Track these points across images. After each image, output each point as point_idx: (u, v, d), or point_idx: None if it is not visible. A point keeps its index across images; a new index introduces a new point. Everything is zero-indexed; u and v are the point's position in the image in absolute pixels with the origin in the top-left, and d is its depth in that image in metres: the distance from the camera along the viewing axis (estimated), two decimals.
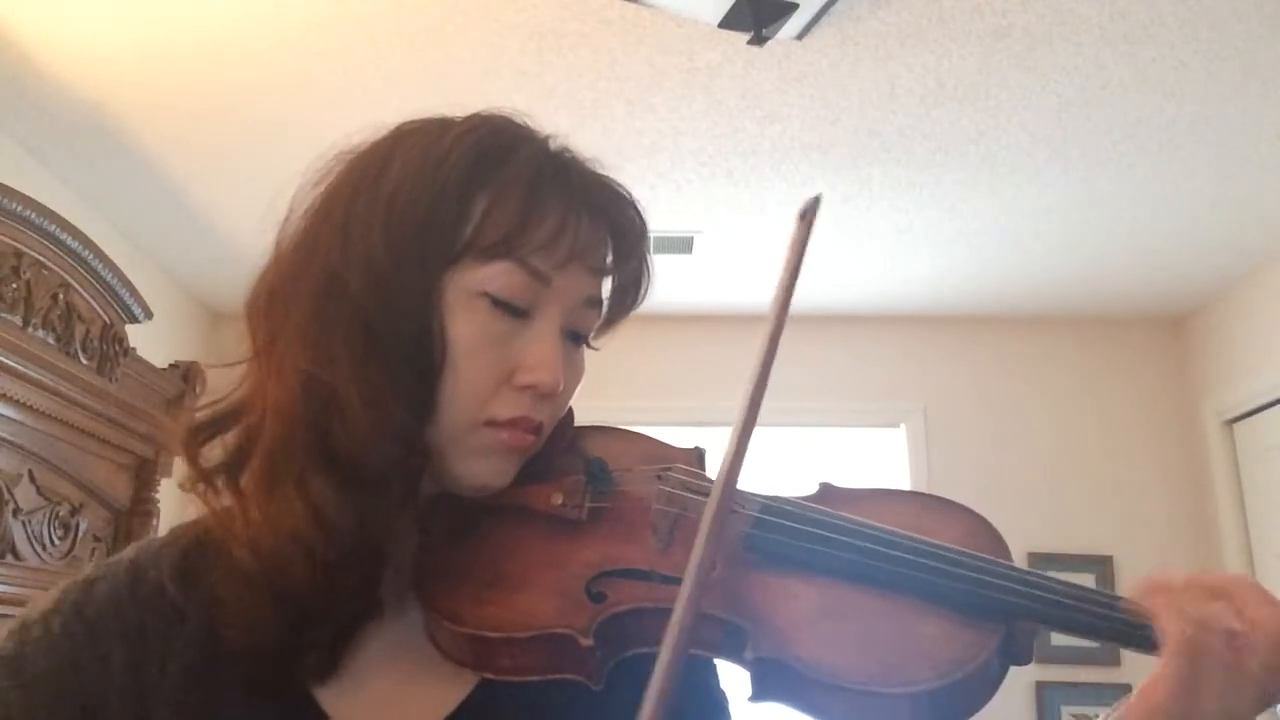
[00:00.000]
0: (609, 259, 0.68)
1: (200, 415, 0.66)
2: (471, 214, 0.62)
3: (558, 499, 0.65)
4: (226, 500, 0.63)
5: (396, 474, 0.60)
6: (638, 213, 0.69)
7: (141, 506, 2.20)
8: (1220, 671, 0.52)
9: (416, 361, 0.61)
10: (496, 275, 0.62)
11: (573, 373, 0.67)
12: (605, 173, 0.69)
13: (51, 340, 1.89)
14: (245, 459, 0.63)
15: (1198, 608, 0.53)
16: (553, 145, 0.67)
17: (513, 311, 0.63)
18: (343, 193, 0.65)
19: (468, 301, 0.62)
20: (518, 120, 0.68)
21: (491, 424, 0.63)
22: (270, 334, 0.63)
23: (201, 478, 0.64)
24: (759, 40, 2.25)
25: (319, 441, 0.59)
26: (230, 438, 0.65)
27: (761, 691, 0.57)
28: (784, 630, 0.58)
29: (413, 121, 0.68)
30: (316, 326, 0.61)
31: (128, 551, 0.67)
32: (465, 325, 0.62)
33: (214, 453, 0.65)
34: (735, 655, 0.58)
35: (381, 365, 0.60)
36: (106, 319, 2.07)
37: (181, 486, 0.65)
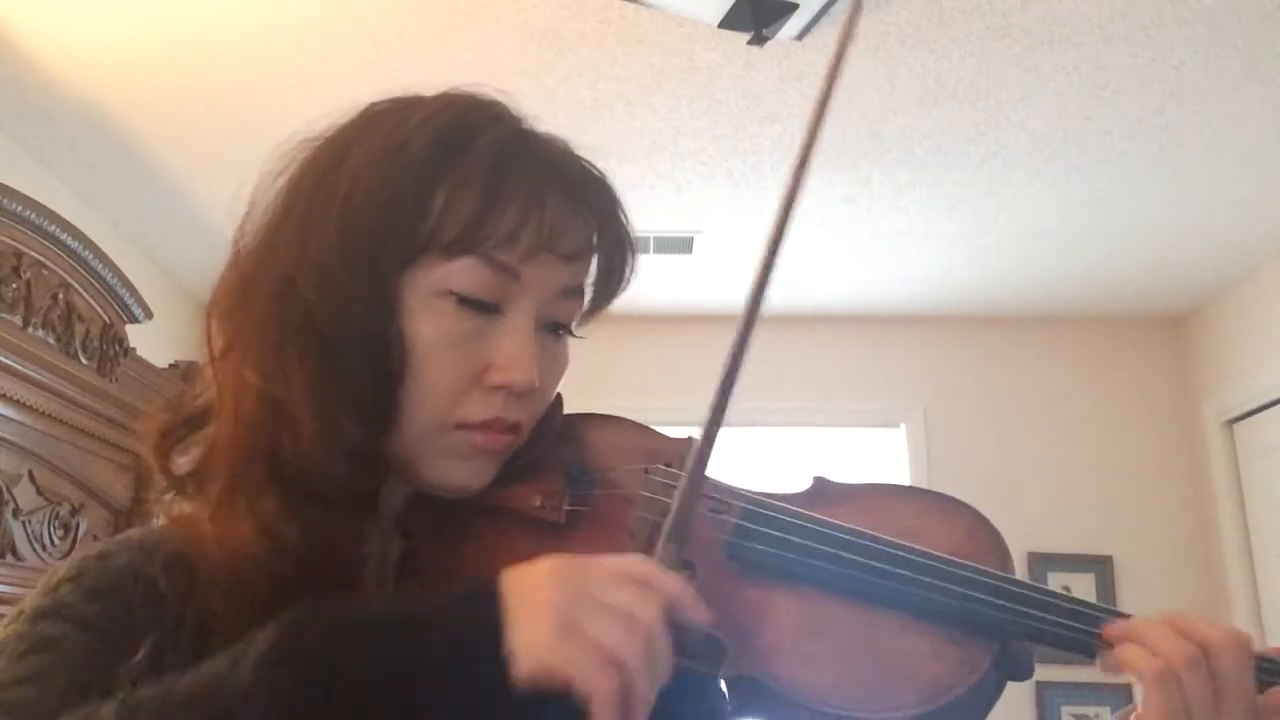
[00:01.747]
0: (586, 244, 0.64)
1: (167, 418, 0.63)
2: (431, 208, 0.59)
3: (536, 501, 0.63)
4: (197, 507, 0.61)
5: (349, 489, 0.58)
6: (609, 189, 0.65)
7: (141, 506, 2.19)
8: (1201, 701, 0.52)
9: (373, 369, 0.58)
10: (461, 272, 0.59)
11: (553, 366, 0.65)
12: (578, 151, 0.65)
13: (51, 340, 1.89)
14: (209, 470, 0.61)
15: (1161, 642, 0.53)
16: (517, 127, 0.64)
17: (481, 308, 0.60)
18: (303, 186, 0.62)
19: (431, 301, 0.59)
20: (484, 99, 0.64)
21: (463, 426, 0.60)
22: (227, 340, 0.61)
23: (171, 484, 0.62)
24: (759, 40, 2.25)
25: (270, 457, 0.57)
26: (199, 446, 0.62)
27: (739, 707, 0.56)
28: (763, 647, 0.56)
29: (380, 102, 0.65)
30: (269, 333, 0.59)
31: (135, 532, 0.65)
32: (429, 326, 0.59)
33: (185, 458, 0.63)
34: (712, 669, 0.56)
35: (335, 376, 0.58)
36: (106, 319, 2.06)
37: (151, 497, 0.64)
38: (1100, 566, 3.67)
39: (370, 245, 0.58)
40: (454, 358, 0.59)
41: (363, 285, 0.58)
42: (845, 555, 0.58)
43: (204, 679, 0.48)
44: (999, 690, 0.56)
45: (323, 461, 0.57)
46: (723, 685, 0.71)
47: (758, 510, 0.61)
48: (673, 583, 0.49)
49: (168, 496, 0.63)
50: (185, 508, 0.63)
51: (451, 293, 0.59)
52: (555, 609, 0.47)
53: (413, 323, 0.59)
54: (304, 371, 0.58)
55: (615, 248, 0.66)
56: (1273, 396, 3.39)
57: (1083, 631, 0.56)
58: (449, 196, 0.59)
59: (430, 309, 0.59)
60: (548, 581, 0.49)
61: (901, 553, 0.58)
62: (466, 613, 0.49)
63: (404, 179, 0.59)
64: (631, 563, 0.49)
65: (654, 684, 0.47)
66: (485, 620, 0.48)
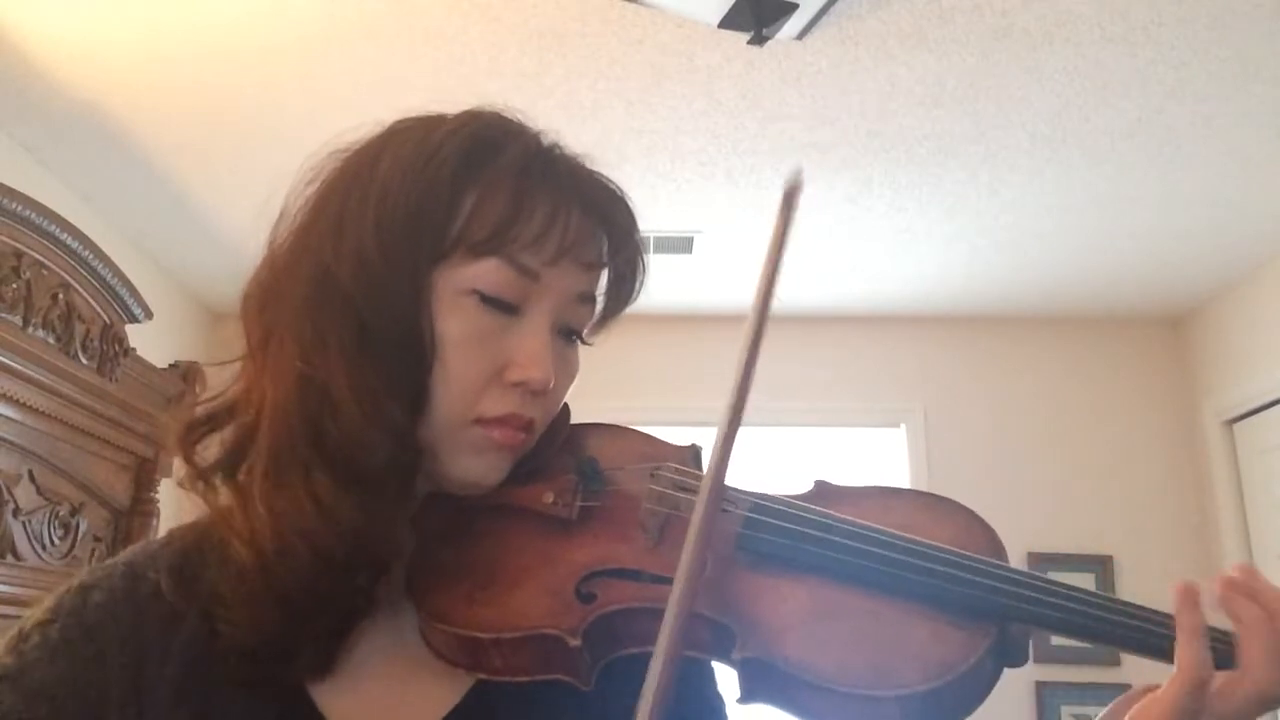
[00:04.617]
0: (601, 254, 0.67)
1: (196, 412, 0.66)
2: (460, 210, 0.62)
3: (549, 498, 0.65)
4: (224, 497, 0.63)
5: (392, 470, 0.60)
6: (628, 207, 0.69)
7: (141, 506, 2.20)
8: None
9: (408, 358, 0.61)
10: (485, 272, 0.61)
11: (565, 369, 0.67)
12: (596, 168, 0.69)
13: (51, 340, 1.89)
14: (242, 456, 0.63)
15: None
16: (543, 141, 0.67)
17: (503, 308, 0.63)
18: (336, 190, 0.64)
19: (457, 299, 0.62)
20: (509, 116, 0.68)
21: (481, 421, 0.62)
22: (264, 332, 0.63)
23: (199, 475, 0.64)
24: (759, 40, 2.25)
25: (315, 439, 0.60)
26: (227, 435, 0.65)
27: (750, 693, 0.57)
28: (772, 631, 0.58)
29: (405, 119, 0.67)
30: (309, 323, 0.61)
31: (122, 556, 0.66)
32: (455, 322, 0.61)
33: (209, 450, 0.65)
34: (723, 656, 0.58)
35: (373, 362, 0.60)
36: (106, 319, 2.07)
37: (180, 484, 0.65)
38: (1100, 566, 3.67)
39: (404, 241, 0.61)
40: (476, 354, 0.62)
41: (398, 278, 0.61)
42: (850, 545, 0.61)
43: None
44: (997, 674, 0.58)
45: (367, 441, 0.59)
46: (715, 673, 0.72)
47: (766, 504, 0.64)
48: None
49: (199, 485, 0.64)
50: (212, 499, 0.64)
51: (475, 292, 0.62)
52: None
53: (441, 319, 0.62)
54: (343, 356, 0.60)
55: (629, 262, 0.69)
56: (1273, 396, 3.39)
57: (1079, 614, 0.58)
58: (478, 200, 0.62)
59: (455, 307, 0.62)
60: None
61: (902, 542, 0.61)
62: None
63: (436, 181, 0.62)
64: None
65: None
66: None
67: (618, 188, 0.69)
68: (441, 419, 0.62)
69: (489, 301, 0.62)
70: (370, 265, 0.61)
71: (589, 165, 0.68)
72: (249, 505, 0.60)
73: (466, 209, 0.62)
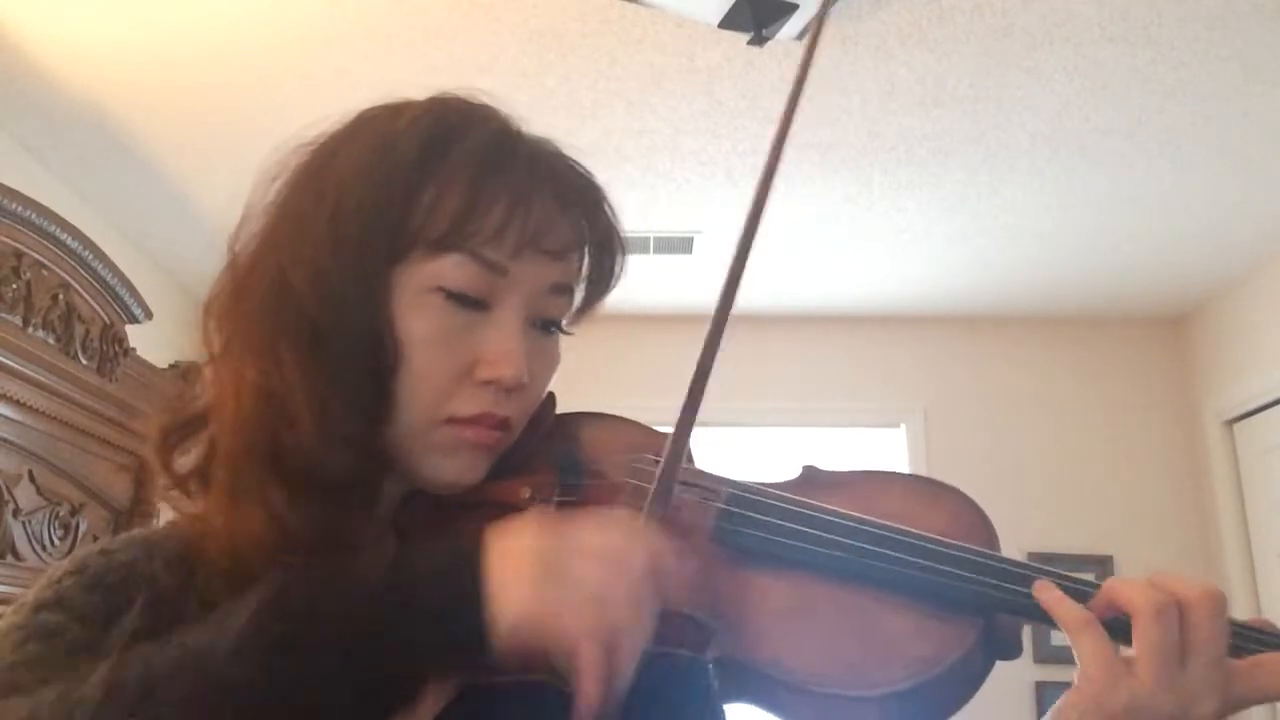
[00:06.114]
0: (570, 241, 0.65)
1: (167, 420, 0.64)
2: (418, 205, 0.59)
3: (525, 494, 0.64)
4: (199, 505, 0.62)
5: (351, 480, 0.59)
6: (595, 188, 0.66)
7: (141, 506, 2.20)
8: (1164, 651, 0.51)
9: (368, 362, 0.59)
10: (449, 268, 0.59)
11: (544, 362, 0.65)
12: (566, 152, 0.66)
13: (51, 340, 1.89)
14: (212, 465, 0.62)
15: (1134, 593, 0.53)
16: (505, 127, 0.65)
17: (470, 304, 0.60)
18: (295, 187, 0.63)
19: (421, 297, 0.60)
20: (472, 101, 0.65)
21: (453, 421, 0.61)
22: (224, 339, 0.62)
23: (175, 484, 0.63)
24: (759, 40, 2.25)
25: (271, 451, 0.58)
26: (202, 442, 0.63)
27: (726, 691, 0.56)
28: (749, 630, 0.56)
29: (371, 108, 0.65)
30: (263, 330, 0.60)
31: (137, 532, 0.66)
32: (419, 322, 0.59)
33: (187, 457, 0.64)
34: (699, 654, 0.57)
35: (330, 369, 0.58)
36: (106, 319, 2.07)
37: (158, 496, 0.65)
38: (1100, 566, 3.67)
39: (360, 241, 0.59)
40: (443, 353, 0.60)
41: (353, 280, 0.59)
42: (829, 537, 0.59)
43: (191, 643, 0.49)
44: (987, 667, 0.56)
45: (323, 453, 0.57)
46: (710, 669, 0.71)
47: (744, 495, 0.62)
48: (655, 535, 0.50)
49: (172, 493, 0.63)
50: (189, 506, 0.64)
51: (440, 289, 0.60)
52: (537, 555, 0.48)
53: (403, 319, 0.60)
54: (299, 365, 0.58)
55: (604, 246, 0.67)
56: (1273, 396, 3.39)
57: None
58: (436, 194, 0.60)
59: (420, 305, 0.60)
60: (530, 532, 0.50)
61: (884, 532, 0.59)
62: (449, 569, 0.50)
63: (392, 177, 0.60)
64: (616, 513, 0.51)
65: (640, 634, 0.48)
66: (467, 574, 0.49)
67: (584, 169, 0.66)
68: (410, 421, 0.60)
69: (455, 298, 0.60)
70: (324, 268, 0.58)
71: (553, 148, 0.66)
72: (216, 516, 0.59)
73: (425, 203, 0.59)
